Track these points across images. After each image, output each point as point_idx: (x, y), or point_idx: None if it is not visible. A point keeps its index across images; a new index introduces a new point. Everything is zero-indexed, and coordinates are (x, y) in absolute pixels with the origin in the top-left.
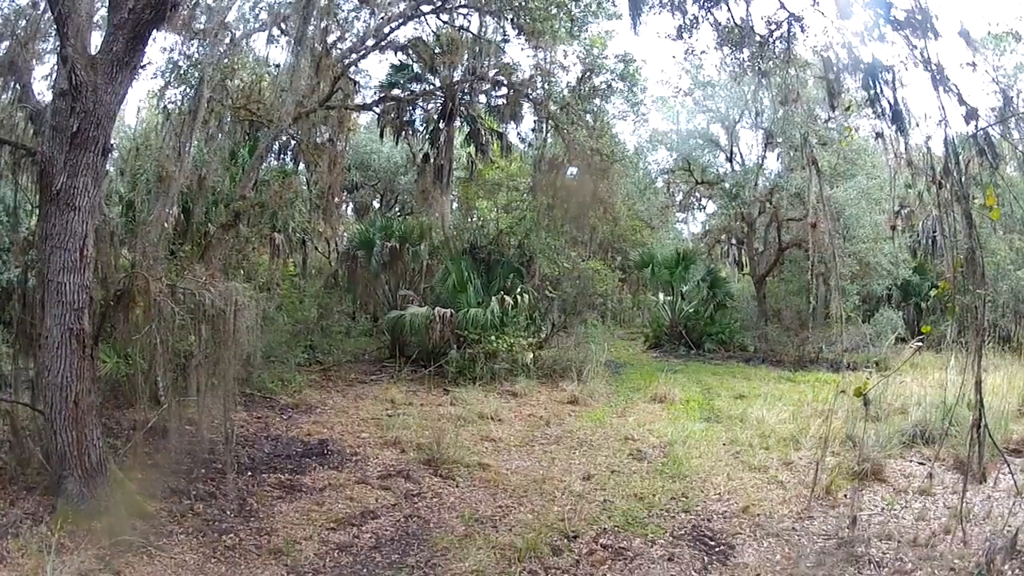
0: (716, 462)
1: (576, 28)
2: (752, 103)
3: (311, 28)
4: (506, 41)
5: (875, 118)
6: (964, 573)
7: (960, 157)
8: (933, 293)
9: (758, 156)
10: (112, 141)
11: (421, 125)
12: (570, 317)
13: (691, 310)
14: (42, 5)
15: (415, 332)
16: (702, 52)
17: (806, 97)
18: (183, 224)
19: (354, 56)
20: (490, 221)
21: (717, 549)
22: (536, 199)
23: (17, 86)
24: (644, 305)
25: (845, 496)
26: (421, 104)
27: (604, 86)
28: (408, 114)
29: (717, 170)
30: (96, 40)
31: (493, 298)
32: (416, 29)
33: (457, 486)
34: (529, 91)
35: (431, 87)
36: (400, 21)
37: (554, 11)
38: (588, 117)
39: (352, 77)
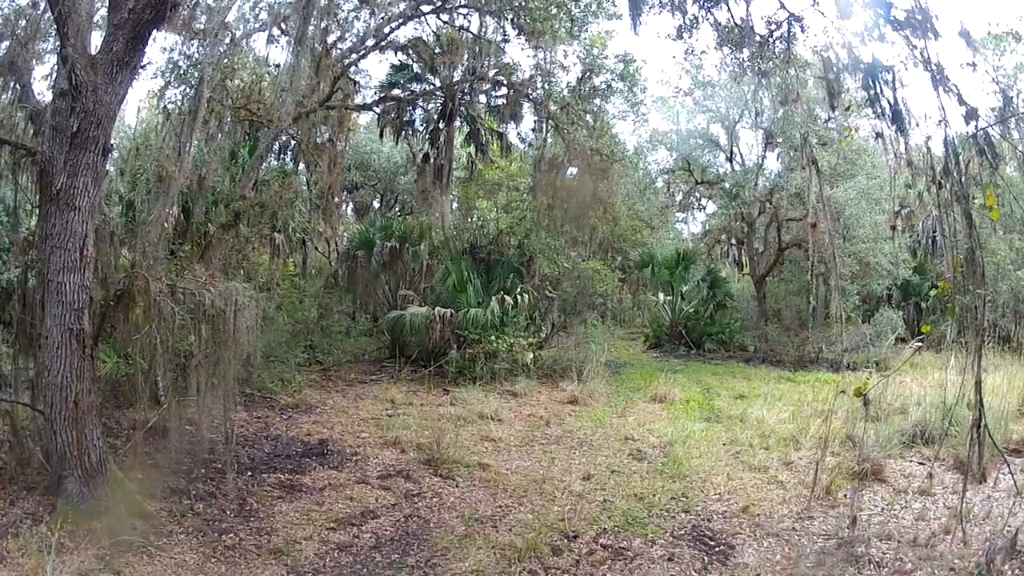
0: (716, 462)
1: (576, 28)
2: (752, 103)
3: (311, 28)
4: (506, 41)
5: (875, 118)
6: (964, 573)
7: (960, 157)
8: (933, 293)
9: (758, 156)
10: (112, 141)
11: (421, 125)
12: (570, 317)
13: (691, 310)
14: (42, 5)
15: (415, 332)
16: (702, 52)
17: (806, 97)
18: (183, 224)
19: (354, 56)
20: (490, 221)
21: (717, 549)
22: (536, 199)
23: (17, 86)
24: (644, 305)
25: (845, 496)
26: (421, 104)
27: (604, 86)
28: (408, 114)
29: (717, 170)
30: (96, 40)
31: (493, 298)
32: (416, 29)
33: (457, 486)
34: (529, 91)
35: (431, 87)
36: (400, 21)
37: (554, 11)
38: (588, 117)
39: (352, 77)
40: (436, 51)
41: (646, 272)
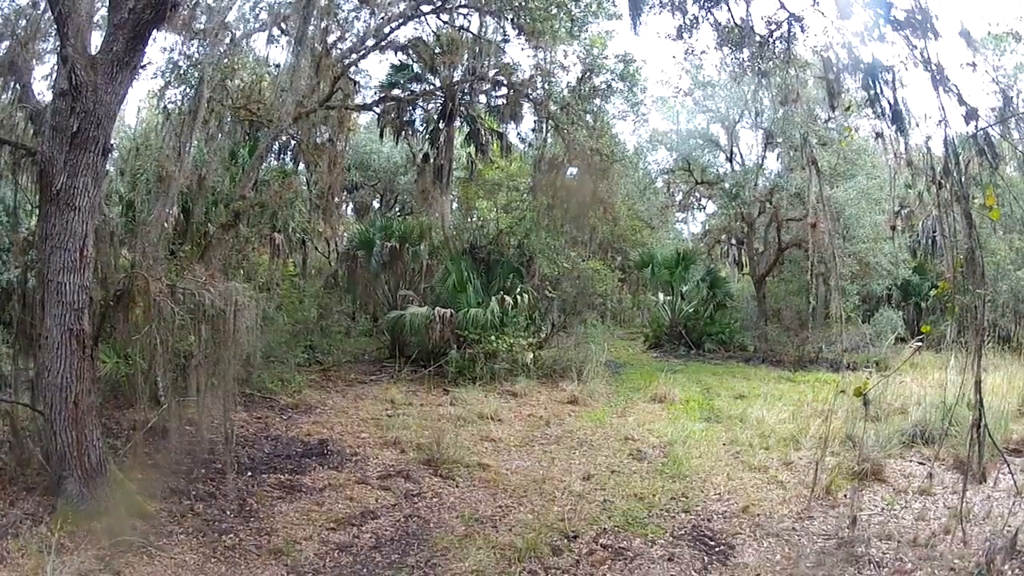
0: (716, 462)
1: (576, 28)
2: (752, 103)
3: (311, 28)
4: (506, 41)
5: (875, 118)
6: (964, 573)
7: (960, 157)
8: (933, 293)
9: (758, 156)
10: (112, 141)
11: (421, 125)
12: (570, 317)
13: (691, 310)
14: (42, 5)
15: (415, 332)
16: (702, 52)
17: (806, 97)
18: (183, 224)
19: (354, 56)
20: (490, 221)
21: (717, 549)
22: (536, 199)
23: (17, 86)
24: (644, 305)
25: (845, 496)
26: (421, 104)
27: (604, 86)
28: (408, 114)
29: (717, 170)
30: (96, 40)
31: (493, 298)
32: (416, 29)
33: (457, 486)
34: (529, 91)
35: (431, 87)
36: (400, 21)
37: (554, 11)
38: (588, 117)
39: (352, 77)
40: (436, 51)
41: (646, 272)
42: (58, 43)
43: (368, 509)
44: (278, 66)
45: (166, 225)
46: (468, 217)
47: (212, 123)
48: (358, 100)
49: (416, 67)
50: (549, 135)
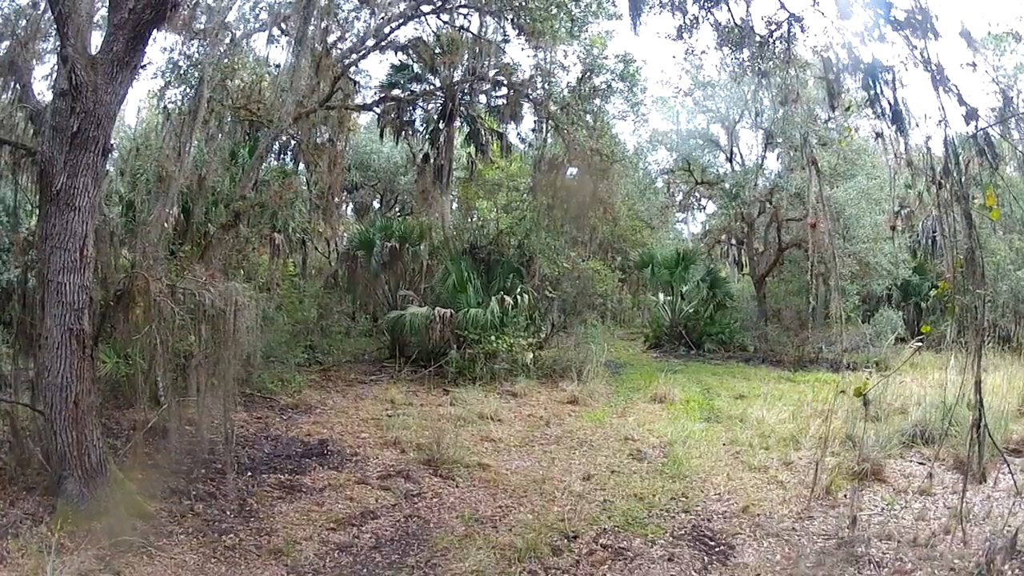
0: (716, 462)
1: (576, 28)
2: (752, 103)
3: (311, 28)
4: (506, 41)
5: (875, 118)
6: (964, 573)
7: (960, 157)
8: (933, 293)
9: (758, 156)
10: (112, 141)
11: (421, 125)
12: (570, 317)
13: (691, 310)
14: (42, 5)
15: (415, 332)
16: (702, 52)
17: (806, 97)
18: (183, 224)
19: (354, 56)
20: (490, 221)
21: (717, 549)
22: (536, 199)
23: (17, 86)
24: (644, 305)
25: (845, 496)
26: (421, 104)
27: (604, 86)
28: (408, 114)
29: (717, 170)
30: (96, 40)
31: (493, 298)
32: (416, 29)
33: (457, 486)
34: (529, 91)
35: (431, 87)
36: (400, 21)
37: (554, 11)
38: (588, 117)
39: (352, 77)
40: (436, 51)
41: (646, 272)
42: (58, 43)
43: (368, 509)
44: (278, 66)
45: (166, 225)
46: (468, 217)
47: (212, 123)
48: (358, 100)
49: (416, 67)
50: (549, 135)
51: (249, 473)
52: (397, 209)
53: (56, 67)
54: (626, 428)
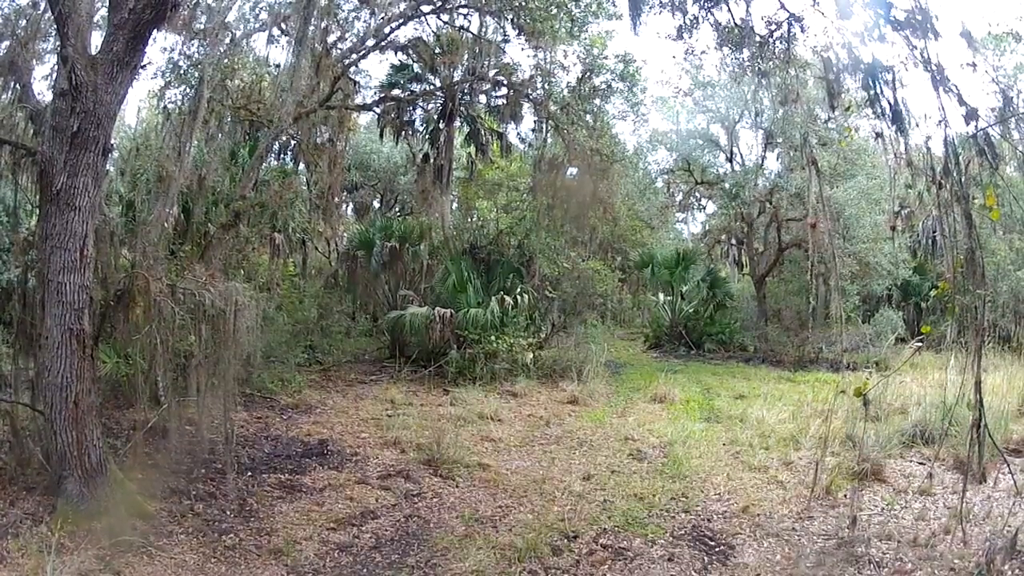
0: (716, 462)
1: (576, 28)
2: (752, 103)
3: (311, 28)
4: (506, 41)
5: (875, 118)
6: (964, 573)
7: (960, 157)
8: (933, 293)
9: (758, 156)
10: (112, 141)
11: (421, 125)
12: (570, 317)
13: (691, 310)
14: (42, 5)
15: (415, 332)
16: (702, 52)
17: (806, 97)
18: (183, 224)
19: (354, 56)
20: (490, 221)
21: (717, 549)
22: (536, 199)
23: (17, 86)
24: (644, 305)
25: (845, 496)
26: (421, 104)
27: (604, 86)
28: (408, 114)
29: (717, 170)
30: (96, 40)
31: (493, 298)
32: (416, 29)
33: (457, 486)
34: (529, 91)
35: (431, 87)
36: (400, 21)
37: (554, 11)
38: (588, 117)
39: (352, 77)
40: (436, 51)
41: (646, 272)
42: (58, 43)
43: (368, 509)
44: (278, 66)
45: (166, 225)
46: (468, 217)
47: (212, 123)
48: (358, 100)
49: (416, 67)
50: (549, 135)
51: (249, 473)
52: (397, 209)
53: (56, 67)
54: (626, 428)
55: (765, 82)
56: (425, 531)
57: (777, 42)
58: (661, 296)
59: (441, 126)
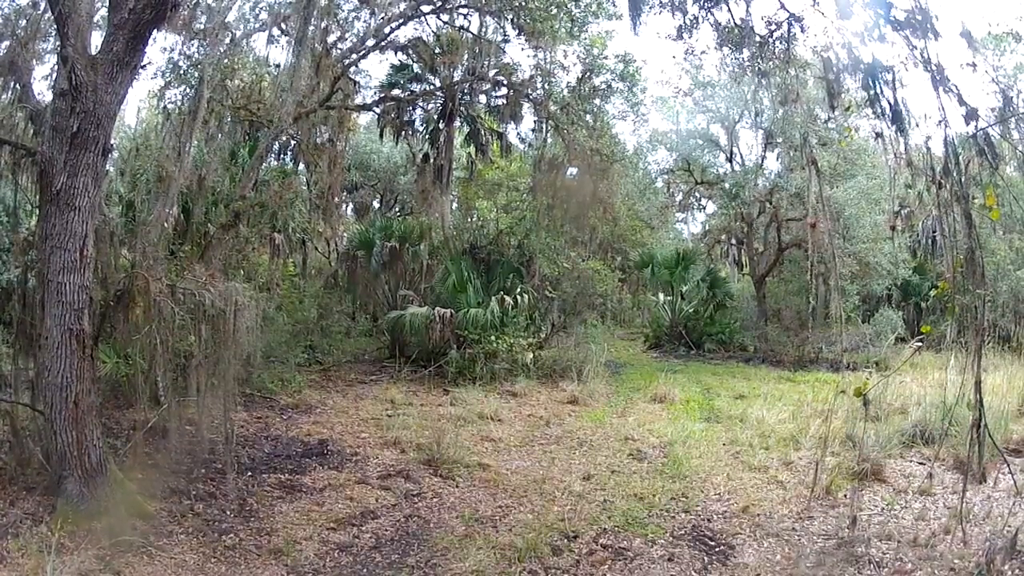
0: (716, 462)
1: (576, 28)
2: (752, 103)
3: (311, 28)
4: (506, 41)
5: (875, 118)
6: (964, 573)
7: (960, 157)
8: (933, 293)
9: (758, 156)
10: (112, 141)
11: (421, 125)
12: (570, 317)
13: (691, 310)
14: (42, 5)
15: (415, 332)
16: (702, 52)
17: (806, 97)
18: (183, 224)
19: (354, 56)
20: (490, 221)
21: (717, 549)
22: (536, 199)
23: (17, 86)
24: (644, 305)
25: (845, 496)
26: (421, 104)
27: (604, 86)
28: (408, 114)
29: (717, 170)
30: (96, 40)
31: (493, 298)
32: (416, 29)
33: (457, 486)
34: (529, 91)
35: (431, 87)
36: (400, 21)
37: (554, 11)
38: (588, 117)
39: (352, 77)
40: (436, 51)
41: (646, 272)
42: (58, 43)
43: (368, 509)
44: (278, 66)
45: (166, 225)
46: (468, 217)
47: (212, 123)
48: (358, 100)
49: (416, 67)
50: (549, 135)
51: (249, 473)
52: (397, 209)
53: (56, 67)
54: (626, 428)
55: (765, 82)
56: (425, 531)
57: (777, 42)
58: (661, 296)
59: (441, 126)
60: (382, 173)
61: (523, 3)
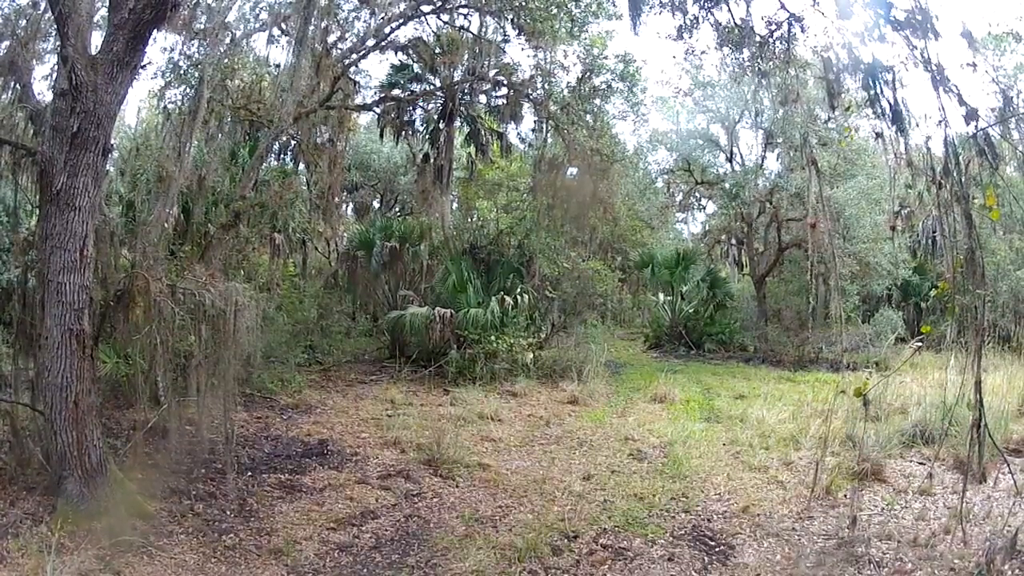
0: (716, 462)
1: (576, 28)
2: (752, 103)
3: (311, 28)
4: (506, 41)
5: (875, 118)
6: (964, 573)
7: (960, 157)
8: (933, 293)
9: (758, 156)
10: (112, 141)
11: (421, 125)
12: (570, 317)
13: (691, 310)
14: (42, 5)
15: (415, 332)
16: (702, 52)
17: (806, 97)
18: (183, 224)
19: (354, 56)
20: (490, 221)
21: (717, 549)
22: (536, 199)
23: (17, 86)
24: (644, 305)
25: (845, 496)
26: (421, 104)
27: (604, 86)
28: (408, 114)
29: (717, 170)
30: (96, 40)
31: (493, 298)
32: (416, 29)
33: (457, 486)
34: (529, 91)
35: (431, 87)
36: (400, 21)
37: (554, 11)
38: (588, 117)
39: (352, 77)
40: (436, 51)
41: (646, 272)
42: (58, 43)
43: (368, 509)
44: (278, 66)
45: (166, 225)
46: (468, 217)
47: (212, 123)
48: (358, 100)
49: (416, 67)
50: (549, 135)
51: (249, 473)
52: (397, 209)
53: (56, 67)
54: (626, 428)
55: (765, 82)
56: (425, 531)
57: (777, 42)
58: (661, 296)
59: (441, 126)
60: (382, 173)
61: (523, 3)
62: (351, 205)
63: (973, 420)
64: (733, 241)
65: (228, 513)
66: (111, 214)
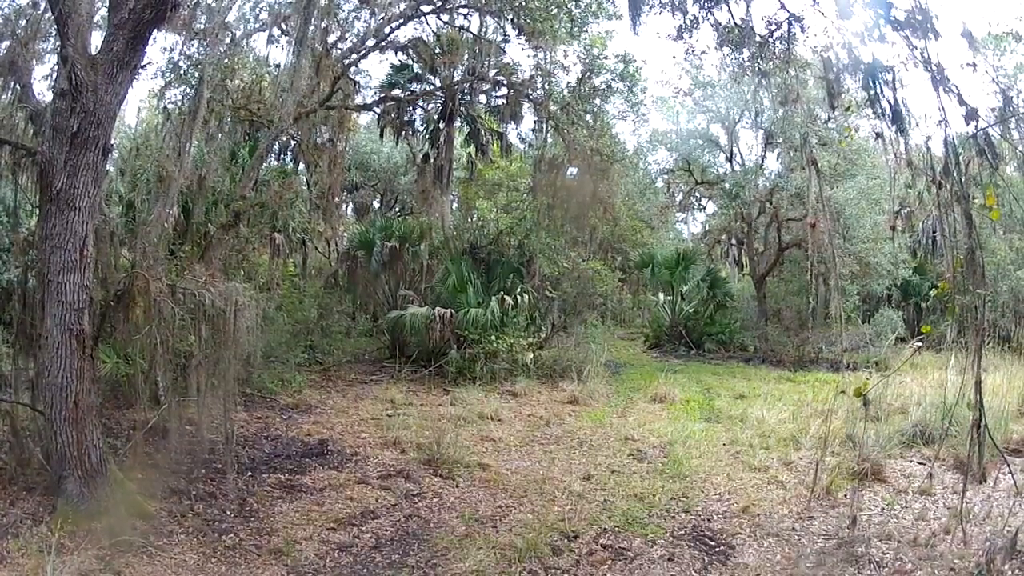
0: (716, 462)
1: (576, 28)
2: (752, 103)
3: (311, 28)
4: (506, 41)
5: (875, 118)
6: (964, 573)
7: (960, 157)
8: (933, 293)
9: (758, 156)
10: (112, 141)
11: (421, 125)
12: (570, 317)
13: (691, 310)
14: (42, 5)
15: (415, 332)
16: (702, 52)
17: (806, 97)
18: (183, 224)
19: (354, 56)
20: (490, 221)
21: (717, 549)
22: (536, 199)
23: (17, 86)
24: (644, 305)
25: (845, 496)
26: (421, 104)
27: (604, 86)
28: (408, 114)
29: (717, 170)
30: (96, 40)
31: (493, 298)
32: (416, 29)
33: (457, 486)
34: (529, 91)
35: (431, 87)
36: (400, 21)
37: (554, 11)
38: (588, 117)
39: (352, 77)
40: (436, 51)
41: (646, 272)
42: (58, 43)
43: (368, 509)
44: (278, 66)
45: (166, 225)
46: (468, 217)
47: (212, 123)
48: (358, 100)
49: (416, 67)
50: (549, 135)
51: (249, 473)
52: (397, 209)
53: (56, 67)
54: (626, 428)
55: (765, 82)
56: (425, 531)
57: (777, 42)
58: (661, 296)
59: (441, 126)
60: (382, 173)
61: (523, 3)
62: (351, 205)
63: (973, 420)
64: (733, 241)
65: (228, 513)
66: (111, 214)
